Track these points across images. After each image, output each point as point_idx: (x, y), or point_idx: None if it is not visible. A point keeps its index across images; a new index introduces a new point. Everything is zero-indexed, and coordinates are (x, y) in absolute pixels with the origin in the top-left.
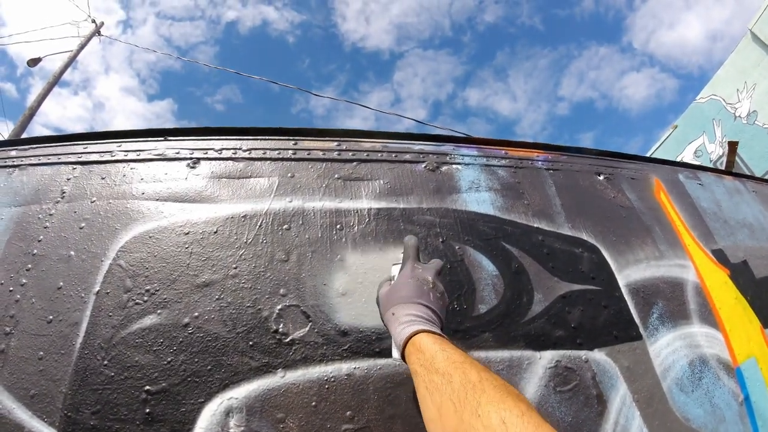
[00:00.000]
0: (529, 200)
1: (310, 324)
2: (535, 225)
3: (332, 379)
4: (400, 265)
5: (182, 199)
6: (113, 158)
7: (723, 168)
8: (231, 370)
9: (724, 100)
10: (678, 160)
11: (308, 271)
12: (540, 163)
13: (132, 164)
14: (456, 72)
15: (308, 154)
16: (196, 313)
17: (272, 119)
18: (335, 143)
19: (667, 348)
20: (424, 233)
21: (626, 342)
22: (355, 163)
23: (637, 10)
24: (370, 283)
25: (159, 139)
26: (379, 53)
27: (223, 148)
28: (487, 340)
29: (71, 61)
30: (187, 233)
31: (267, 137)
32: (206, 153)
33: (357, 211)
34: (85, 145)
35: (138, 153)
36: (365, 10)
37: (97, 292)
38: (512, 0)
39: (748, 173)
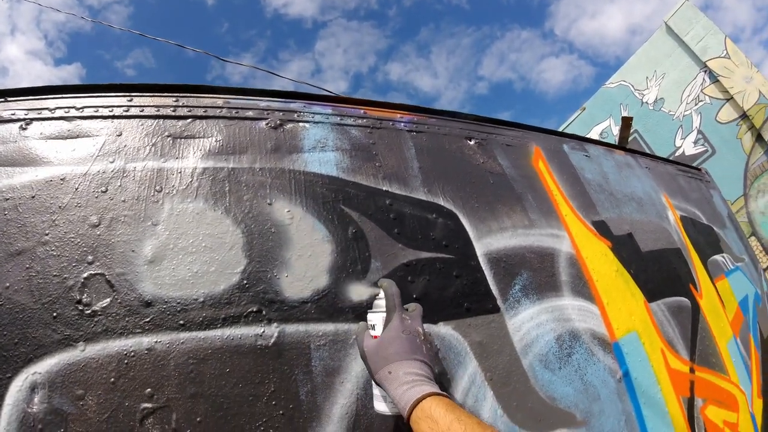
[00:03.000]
0: (382, 162)
1: (113, 294)
2: (384, 188)
3: (132, 354)
4: (379, 313)
5: (9, 163)
6: None
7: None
8: (35, 344)
9: (632, 86)
10: None
11: (119, 236)
12: (403, 124)
13: None
14: (379, 45)
15: (141, 111)
16: (7, 284)
17: None
18: (173, 99)
19: (530, 322)
20: (251, 195)
21: (480, 315)
22: (189, 120)
23: None
24: (181, 249)
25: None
26: (301, 21)
27: (57, 107)
28: (308, 311)
29: None
30: (8, 199)
31: (102, 94)
32: (40, 113)
33: (180, 172)
34: None
35: None
36: None
37: None
38: None
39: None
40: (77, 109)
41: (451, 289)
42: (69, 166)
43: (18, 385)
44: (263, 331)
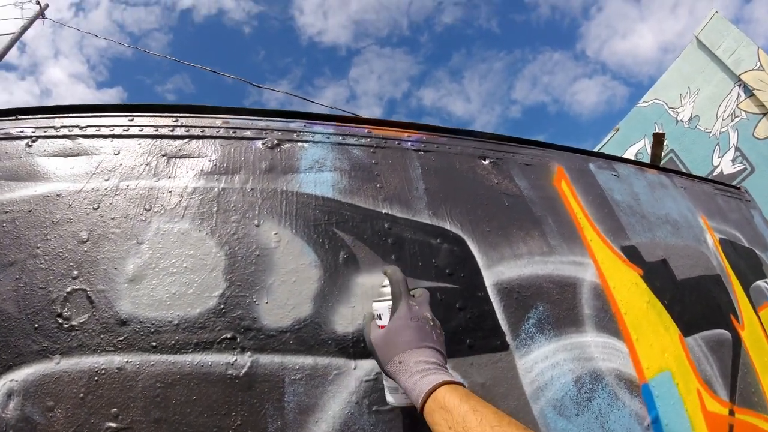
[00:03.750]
0: (384, 183)
1: (92, 310)
2: (384, 211)
3: (103, 372)
4: (384, 302)
5: (12, 178)
6: None
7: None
8: (15, 352)
9: (666, 104)
10: None
11: (104, 253)
12: (410, 143)
13: None
14: (412, 71)
15: (140, 131)
16: None
17: None
18: (172, 119)
19: (544, 361)
20: (239, 216)
21: (484, 353)
22: (186, 139)
23: (592, 19)
24: (162, 270)
25: (11, 118)
26: (335, 48)
27: (63, 126)
28: (286, 342)
29: (12, 44)
30: (7, 212)
31: (105, 114)
32: (46, 131)
33: (170, 191)
34: None
35: None
36: (323, 5)
37: None
38: (471, 2)
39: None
40: (81, 128)
41: (453, 322)
42: (66, 183)
43: None
44: (235, 360)
